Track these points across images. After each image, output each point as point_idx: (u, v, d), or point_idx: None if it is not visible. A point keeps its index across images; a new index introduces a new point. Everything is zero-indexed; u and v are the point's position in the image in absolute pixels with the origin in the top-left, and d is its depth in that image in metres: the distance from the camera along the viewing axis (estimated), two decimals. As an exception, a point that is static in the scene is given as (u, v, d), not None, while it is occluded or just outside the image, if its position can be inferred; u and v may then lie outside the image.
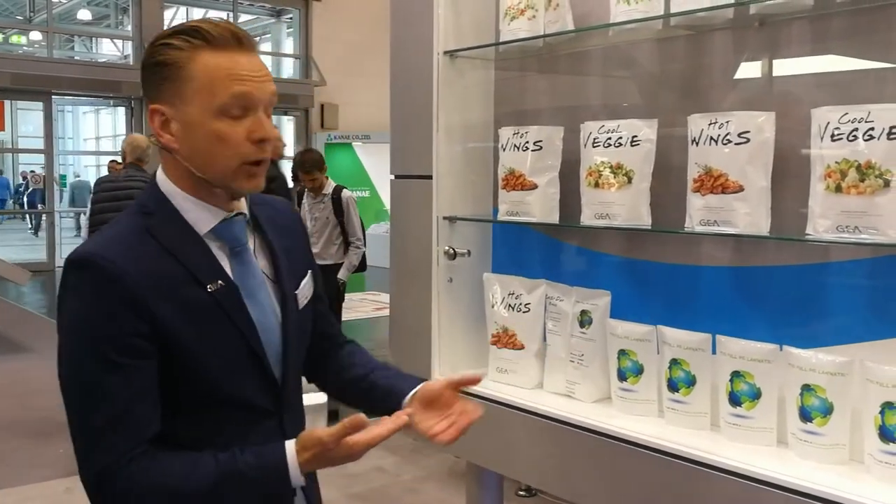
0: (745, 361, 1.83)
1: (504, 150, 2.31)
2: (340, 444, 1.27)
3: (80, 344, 1.30)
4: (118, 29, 20.35)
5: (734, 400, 1.85)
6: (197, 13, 20.31)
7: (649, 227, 2.04)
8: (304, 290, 1.53)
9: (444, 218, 2.43)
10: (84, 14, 20.49)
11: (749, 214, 1.80)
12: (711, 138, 1.84)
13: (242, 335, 1.38)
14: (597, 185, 2.09)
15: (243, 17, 18.47)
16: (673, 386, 1.97)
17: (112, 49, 21.40)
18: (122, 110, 16.88)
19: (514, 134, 2.28)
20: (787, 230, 1.81)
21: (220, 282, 1.36)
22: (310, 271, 1.57)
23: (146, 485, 1.28)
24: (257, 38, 20.45)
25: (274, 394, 1.44)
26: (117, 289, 1.28)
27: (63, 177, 17.79)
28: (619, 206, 2.04)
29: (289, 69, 17.96)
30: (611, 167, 2.06)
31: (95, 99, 17.32)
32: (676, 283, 2.10)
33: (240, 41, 1.34)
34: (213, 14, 19.75)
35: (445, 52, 2.40)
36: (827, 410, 1.71)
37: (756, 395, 1.82)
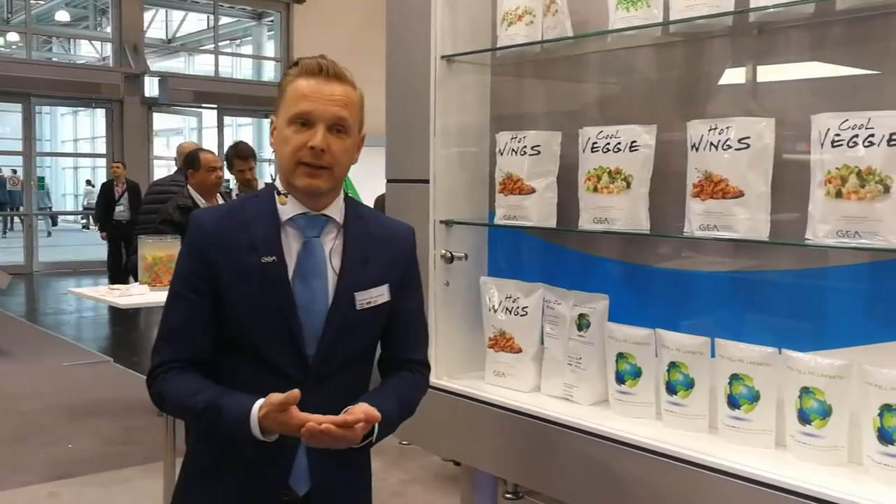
0: (744, 364, 1.85)
1: (502, 154, 2.32)
2: (286, 411, 1.52)
3: (173, 274, 1.73)
4: (97, 30, 20.17)
5: (733, 403, 1.87)
6: (176, 15, 20.18)
7: (648, 232, 2.05)
8: (368, 295, 1.73)
9: (441, 221, 2.43)
10: (62, 15, 20.27)
11: (749, 219, 1.82)
12: (711, 144, 1.86)
13: (280, 306, 1.65)
14: (595, 189, 2.10)
15: (224, 20, 18.35)
16: (671, 389, 1.98)
17: (91, 51, 21.20)
18: (101, 112, 16.70)
19: (511, 138, 2.29)
20: (787, 235, 1.83)
21: (273, 257, 1.66)
22: (387, 285, 1.76)
23: (169, 391, 1.67)
24: (237, 41, 20.33)
25: (303, 366, 1.67)
26: (194, 239, 1.69)
27: (41, 179, 17.54)
28: (617, 210, 2.06)
29: (269, 72, 17.87)
30: (609, 172, 2.07)
31: (74, 101, 17.11)
32: (675, 288, 2.12)
33: (321, 71, 1.65)
34: (193, 16, 19.65)
35: (443, 57, 2.40)
36: (826, 413, 1.73)
37: (755, 397, 1.84)
